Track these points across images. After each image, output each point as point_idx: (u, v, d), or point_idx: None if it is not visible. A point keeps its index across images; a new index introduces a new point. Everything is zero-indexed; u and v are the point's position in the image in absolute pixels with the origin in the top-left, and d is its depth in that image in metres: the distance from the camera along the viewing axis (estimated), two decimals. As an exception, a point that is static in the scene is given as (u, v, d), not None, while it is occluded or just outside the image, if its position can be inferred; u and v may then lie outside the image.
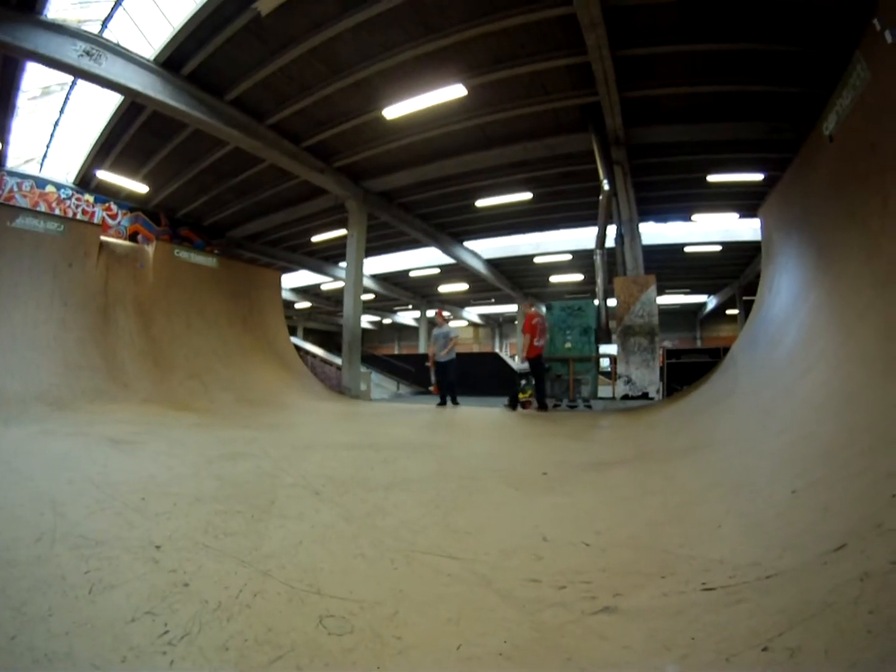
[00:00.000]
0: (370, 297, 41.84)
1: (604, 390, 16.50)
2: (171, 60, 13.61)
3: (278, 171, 19.04)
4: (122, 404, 11.07)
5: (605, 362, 17.75)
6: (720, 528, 3.30)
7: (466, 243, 29.01)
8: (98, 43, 12.67)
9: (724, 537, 3.14)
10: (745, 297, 33.76)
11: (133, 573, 2.79)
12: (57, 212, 20.46)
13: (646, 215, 21.50)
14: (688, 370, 14.34)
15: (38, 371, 11.13)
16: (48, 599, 2.42)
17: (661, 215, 23.56)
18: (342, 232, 23.32)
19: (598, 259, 15.96)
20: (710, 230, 27.73)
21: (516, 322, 15.59)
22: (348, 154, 18.09)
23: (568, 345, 15.13)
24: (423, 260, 34.46)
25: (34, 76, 15.37)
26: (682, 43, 11.86)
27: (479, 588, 2.69)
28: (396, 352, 61.38)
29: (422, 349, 17.60)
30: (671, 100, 14.11)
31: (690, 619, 2.16)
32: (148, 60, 13.53)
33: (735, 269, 33.50)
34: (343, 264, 25.07)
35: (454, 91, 13.54)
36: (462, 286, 40.10)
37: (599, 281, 15.86)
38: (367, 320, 58.02)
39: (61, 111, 17.73)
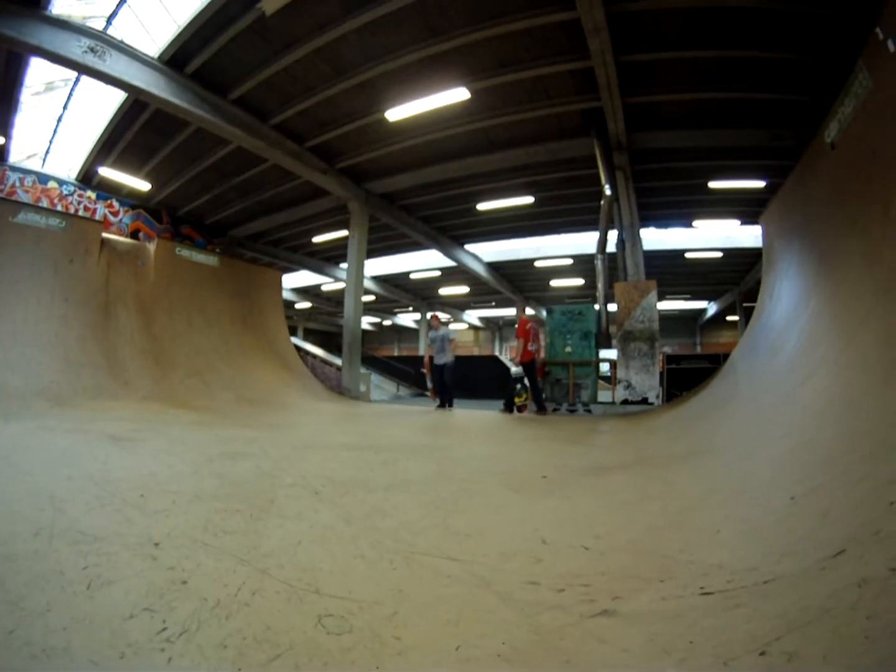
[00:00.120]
0: (371, 298, 41.88)
1: (603, 395, 16.51)
2: (175, 58, 13.65)
3: (281, 171, 19.07)
4: (122, 402, 11.07)
5: (605, 367, 17.72)
6: (719, 533, 3.30)
7: (467, 246, 29.09)
8: (102, 40, 12.71)
9: (723, 542, 3.13)
10: (745, 304, 33.82)
11: (132, 570, 2.78)
12: (59, 208, 20.54)
13: (647, 221, 21.58)
14: (687, 376, 14.39)
15: (38, 367, 11.13)
16: (46, 594, 2.41)
17: (663, 221, 23.63)
18: (343, 233, 23.39)
19: (598, 264, 15.98)
20: (711, 236, 27.81)
21: (516, 326, 15.78)
22: (351, 155, 18.13)
23: (568, 349, 15.16)
24: (423, 262, 34.54)
25: (38, 71, 15.40)
26: (684, 49, 11.90)
27: (478, 590, 2.69)
28: (396, 353, 61.43)
29: (421, 351, 17.57)
30: (673, 106, 14.15)
31: (689, 622, 2.16)
32: (152, 58, 13.56)
33: (735, 276, 33.57)
34: (344, 265, 25.20)
35: (457, 94, 13.59)
36: (463, 289, 40.17)
37: (600, 286, 15.88)
38: (367, 322, 58.06)
39: (64, 107, 17.77)
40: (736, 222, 23.34)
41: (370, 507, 4.24)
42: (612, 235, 16.11)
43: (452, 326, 57.81)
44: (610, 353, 15.60)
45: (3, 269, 12.00)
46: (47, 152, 20.72)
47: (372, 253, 25.70)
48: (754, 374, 8.52)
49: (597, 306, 15.66)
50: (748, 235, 26.16)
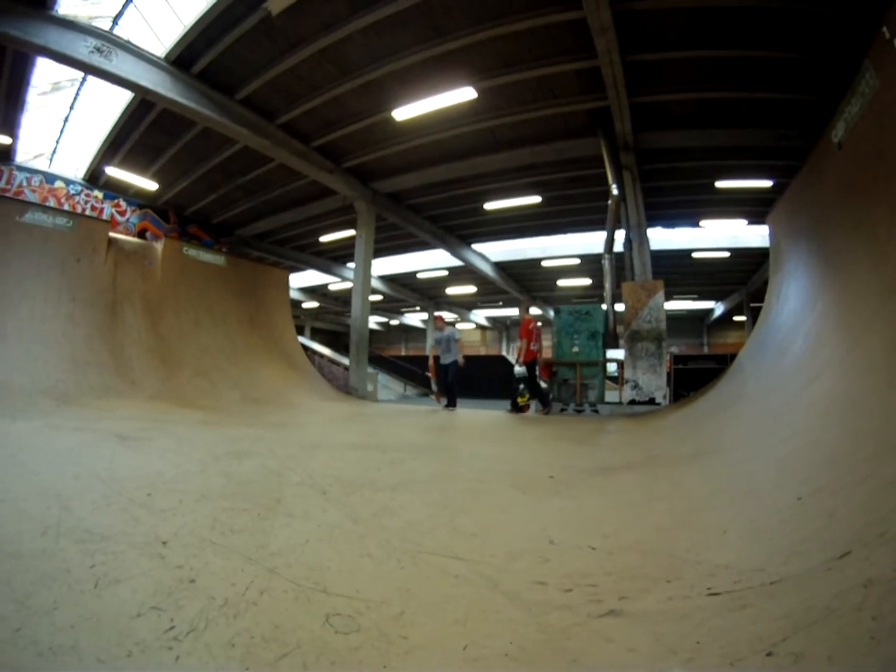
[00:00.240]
0: (378, 298, 41.84)
1: (611, 395, 16.48)
2: (182, 58, 13.68)
3: (287, 170, 19.09)
4: (129, 401, 11.09)
5: (612, 367, 17.71)
6: (726, 533, 3.30)
7: (474, 246, 29.07)
8: (109, 39, 12.73)
9: (730, 543, 3.14)
10: (752, 304, 33.69)
11: (139, 568, 2.79)
12: (66, 207, 20.58)
13: (654, 220, 21.54)
14: (695, 376, 14.37)
15: (45, 366, 11.15)
16: (53, 593, 2.42)
17: (670, 221, 23.60)
18: (350, 232, 23.42)
19: (606, 264, 15.94)
20: (718, 236, 27.73)
21: (532, 326, 15.78)
22: (357, 155, 18.13)
23: (575, 349, 15.14)
24: (430, 262, 34.53)
25: (45, 71, 15.42)
26: (690, 49, 11.88)
27: (485, 589, 2.69)
28: (403, 353, 61.46)
29: (429, 351, 17.87)
30: (680, 105, 14.12)
31: (696, 623, 2.16)
32: (158, 58, 13.59)
33: (743, 276, 33.49)
34: (351, 265, 25.24)
35: (464, 94, 13.56)
36: (470, 289, 40.15)
37: (607, 285, 15.85)
38: (374, 321, 58.09)
39: (71, 107, 17.79)
40: (743, 222, 23.29)
41: (377, 507, 4.25)
42: (620, 235, 16.09)
43: (459, 326, 57.97)
44: (617, 353, 15.61)
45: (11, 268, 12.02)
46: (54, 152, 20.77)
47: (379, 252, 25.66)
48: (761, 375, 8.50)
49: (604, 306, 15.64)
50: (755, 235, 26.07)
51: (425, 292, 43.75)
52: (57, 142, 20.20)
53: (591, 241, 27.78)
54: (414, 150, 17.41)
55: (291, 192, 21.82)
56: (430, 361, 15.10)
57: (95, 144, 19.22)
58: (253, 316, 17.76)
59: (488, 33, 11.85)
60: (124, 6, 13.17)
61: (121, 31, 13.24)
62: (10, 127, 17.21)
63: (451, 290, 41.52)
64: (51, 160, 21.05)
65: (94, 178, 21.64)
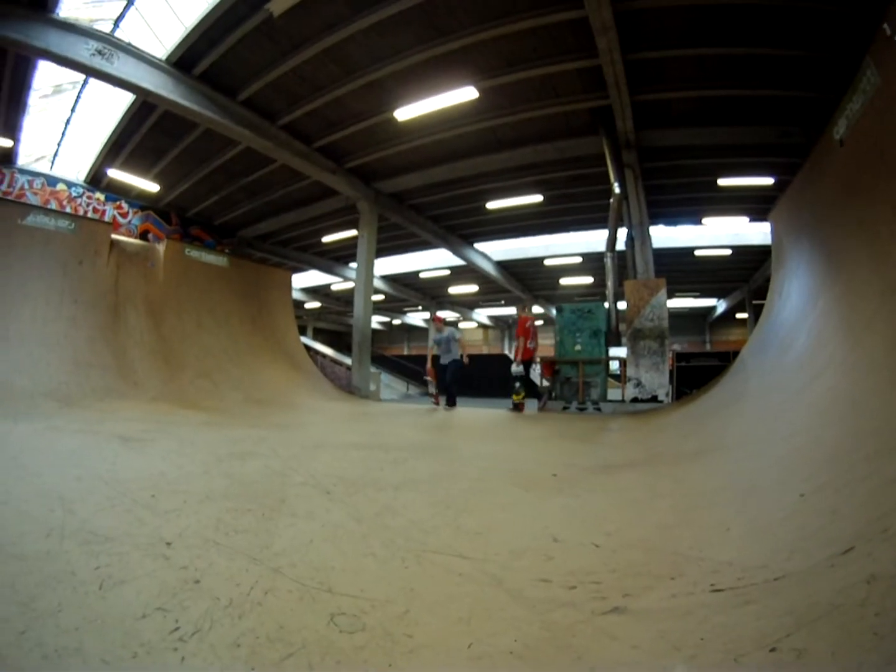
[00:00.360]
0: (380, 297, 41.89)
1: (613, 393, 16.48)
2: (183, 60, 13.71)
3: (290, 171, 19.12)
4: (131, 402, 11.10)
5: (614, 365, 17.70)
6: (729, 530, 3.30)
7: (477, 245, 29.09)
8: (110, 42, 12.77)
9: (733, 540, 3.14)
10: (754, 302, 33.64)
11: (143, 570, 2.79)
12: (68, 210, 20.59)
13: (656, 218, 21.52)
14: (697, 374, 14.33)
15: (47, 368, 11.17)
16: (58, 595, 2.42)
17: (672, 218, 23.60)
18: (353, 233, 23.44)
19: (608, 262, 15.96)
20: (720, 234, 27.71)
21: (529, 324, 15.76)
22: (360, 155, 18.16)
23: (578, 347, 15.14)
24: (433, 261, 34.54)
25: (46, 74, 15.45)
26: (691, 47, 11.89)
27: (489, 588, 2.70)
28: (406, 353, 61.41)
29: (428, 352, 17.65)
30: (681, 103, 14.12)
31: (699, 619, 2.16)
32: (160, 60, 13.63)
33: (745, 273, 33.44)
34: (353, 265, 25.17)
35: (465, 93, 13.59)
36: (472, 288, 40.14)
37: (610, 284, 15.86)
38: (376, 321, 58.01)
39: (73, 109, 17.81)
40: (745, 219, 23.30)
41: (381, 506, 4.25)
42: (622, 233, 16.10)
43: (462, 325, 58.10)
44: (619, 352, 15.61)
45: (12, 271, 12.05)
46: (56, 155, 20.81)
47: (381, 252, 25.69)
48: (764, 372, 8.50)
49: (606, 304, 15.64)
50: (757, 233, 26.05)
51: (427, 292, 43.76)
52: (58, 144, 20.23)
53: (594, 240, 27.74)
54: (416, 150, 17.43)
55: (294, 192, 21.84)
56: (429, 364, 15.12)
57: (97, 147, 19.25)
58: (255, 317, 17.79)
59: (490, 33, 11.87)
60: (125, 8, 13.19)
61: (122, 34, 13.28)
62: (12, 130, 17.24)
63: (454, 290, 41.50)
64: (52, 163, 21.09)
65: (95, 180, 21.67)
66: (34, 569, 2.70)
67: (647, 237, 15.60)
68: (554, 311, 17.71)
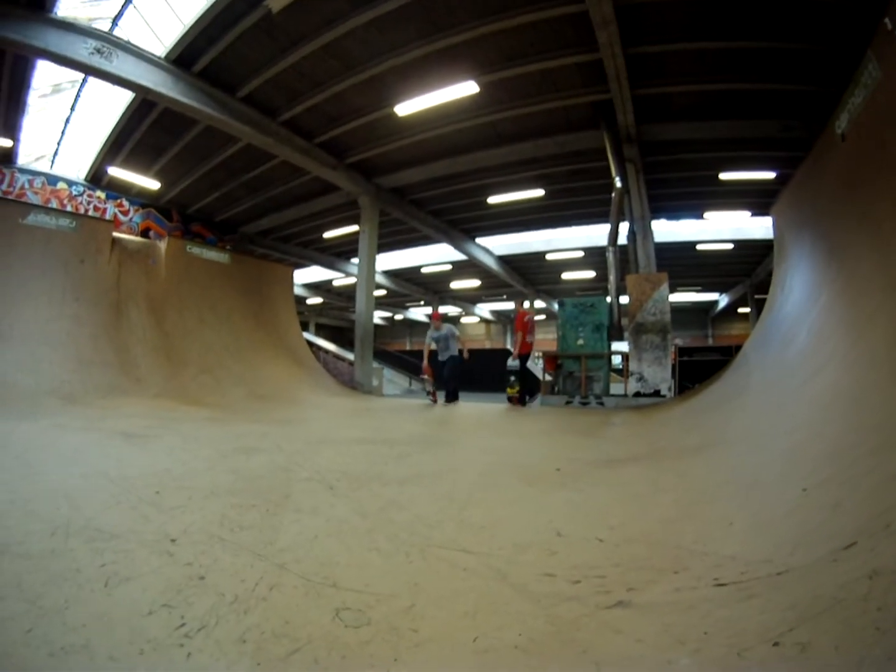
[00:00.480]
0: (382, 293, 41.86)
1: (616, 387, 16.47)
2: (182, 58, 13.69)
3: (290, 167, 19.10)
4: (134, 399, 11.13)
5: (617, 359, 17.70)
6: (732, 525, 3.31)
7: (478, 240, 29.09)
8: (109, 41, 12.76)
9: (736, 534, 3.15)
10: (756, 296, 33.62)
11: (149, 566, 2.80)
12: (69, 208, 20.57)
13: (658, 213, 21.47)
14: (699, 368, 14.37)
15: (50, 366, 11.19)
16: (64, 592, 2.43)
17: (674, 213, 23.60)
18: (354, 228, 23.46)
19: (610, 256, 15.96)
20: (722, 228, 27.65)
21: (527, 319, 15.73)
22: (360, 150, 18.15)
23: (580, 342, 15.13)
24: (435, 256, 34.52)
25: (45, 74, 15.43)
26: (692, 41, 11.85)
27: (494, 582, 2.71)
28: (408, 348, 61.30)
29: (425, 350, 17.39)
30: (682, 97, 14.09)
31: (703, 613, 2.18)
32: (159, 58, 13.62)
33: (747, 268, 33.41)
34: (355, 260, 25.18)
35: (466, 88, 13.56)
36: (474, 282, 40.17)
37: (612, 278, 15.86)
38: (379, 316, 57.95)
39: (72, 108, 17.79)
40: (747, 214, 23.28)
41: (385, 501, 4.27)
42: (624, 227, 16.09)
43: (464, 320, 58.30)
44: (622, 346, 15.62)
45: (13, 270, 12.07)
46: (56, 154, 20.80)
47: (383, 248, 25.69)
48: (766, 367, 8.49)
49: (609, 299, 15.63)
50: (759, 227, 25.99)
51: (430, 287, 43.76)
52: (58, 143, 20.22)
53: (595, 234, 27.74)
54: (417, 145, 17.41)
55: (295, 188, 21.83)
56: (425, 363, 15.10)
57: (97, 145, 19.24)
58: (257, 313, 17.81)
59: (490, 27, 11.84)
60: (123, 7, 13.19)
61: (121, 32, 13.27)
62: (12, 130, 17.24)
63: (456, 285, 41.53)
64: (52, 162, 21.08)
65: (96, 178, 21.67)
66: (40, 567, 2.71)
67: (648, 231, 15.59)
68: (556, 306, 17.67)
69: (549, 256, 32.34)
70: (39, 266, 12.59)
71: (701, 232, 28.20)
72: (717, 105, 14.27)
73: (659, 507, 3.95)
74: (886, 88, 5.96)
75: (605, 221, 17.54)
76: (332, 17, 11.93)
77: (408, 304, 53.73)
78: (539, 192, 20.81)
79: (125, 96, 15.79)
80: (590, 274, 35.53)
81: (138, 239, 17.47)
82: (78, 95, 17.24)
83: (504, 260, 33.26)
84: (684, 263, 31.95)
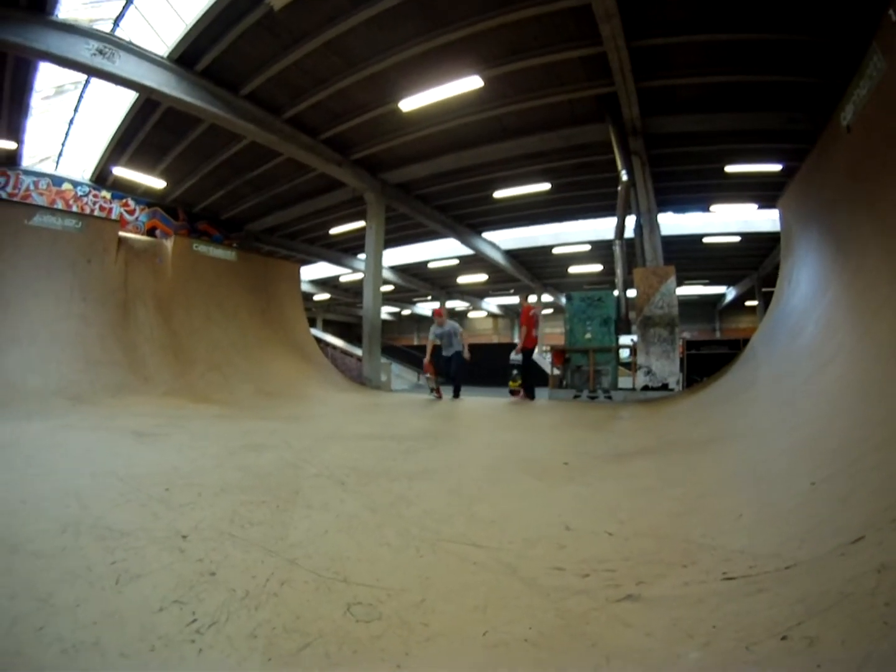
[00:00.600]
0: (389, 288, 41.90)
1: (624, 381, 16.47)
2: (185, 57, 13.75)
3: (295, 164, 19.15)
4: (143, 397, 11.15)
5: (625, 353, 17.70)
6: (740, 518, 3.30)
7: (485, 234, 29.10)
8: (111, 41, 12.83)
9: (745, 528, 3.14)
10: (764, 289, 33.55)
11: (159, 563, 2.80)
12: (74, 209, 20.67)
13: (664, 206, 21.43)
14: (707, 361, 14.31)
15: (58, 366, 11.22)
16: (75, 590, 2.43)
17: (680, 206, 23.53)
18: (360, 224, 23.45)
19: (617, 250, 15.95)
20: (728, 221, 27.63)
21: (532, 313, 15.70)
22: (365, 146, 18.18)
23: (588, 335, 15.15)
24: (441, 251, 34.57)
25: (48, 76, 15.51)
26: (696, 33, 11.82)
27: (504, 576, 2.71)
28: (416, 343, 61.33)
29: (428, 346, 17.14)
30: (687, 90, 14.08)
31: (712, 607, 2.18)
32: (161, 57, 13.69)
33: (754, 261, 33.36)
34: (362, 256, 25.31)
35: (470, 82, 13.56)
36: (481, 277, 40.20)
37: (619, 271, 15.85)
38: (386, 312, 58.02)
39: (76, 109, 17.86)
40: (753, 206, 23.22)
41: (395, 496, 4.27)
42: (630, 221, 16.07)
43: (471, 314, 58.46)
44: (630, 339, 15.62)
45: (19, 271, 12.09)
46: (60, 155, 20.90)
47: (389, 243, 25.63)
48: (774, 360, 8.48)
49: (616, 292, 15.63)
50: (766, 220, 25.97)
51: (437, 282, 43.80)
52: (63, 145, 20.32)
53: (602, 228, 27.73)
54: (422, 140, 17.42)
55: (300, 185, 21.87)
56: (427, 360, 15.02)
57: (101, 145, 19.33)
58: (265, 309, 17.82)
59: (493, 22, 11.84)
60: (124, 7, 13.24)
61: (122, 33, 13.34)
62: (15, 132, 17.33)
63: (463, 279, 41.57)
64: (57, 163, 21.20)
65: (101, 178, 21.77)
66: (51, 565, 2.72)
67: (655, 224, 15.57)
68: (564, 300, 17.66)
69: (555, 250, 32.38)
70: (46, 267, 12.61)
71: (707, 225, 28.18)
72: (722, 97, 14.25)
73: (667, 501, 3.95)
74: (891, 80, 5.94)
75: (612, 215, 17.52)
76: (334, 13, 11.95)
77: (415, 300, 53.79)
78: (545, 186, 20.83)
79: (128, 96, 15.88)
80: (597, 267, 35.50)
81: (145, 238, 17.51)
82: (81, 96, 17.34)
83: (511, 254, 33.29)
84: (691, 256, 31.94)
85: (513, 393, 14.57)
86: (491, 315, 60.97)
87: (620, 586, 2.50)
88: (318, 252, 32.60)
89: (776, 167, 17.78)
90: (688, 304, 44.14)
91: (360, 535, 3.35)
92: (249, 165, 20.08)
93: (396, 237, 27.69)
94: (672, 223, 26.89)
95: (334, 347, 22.54)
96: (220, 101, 14.85)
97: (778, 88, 13.54)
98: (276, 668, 1.91)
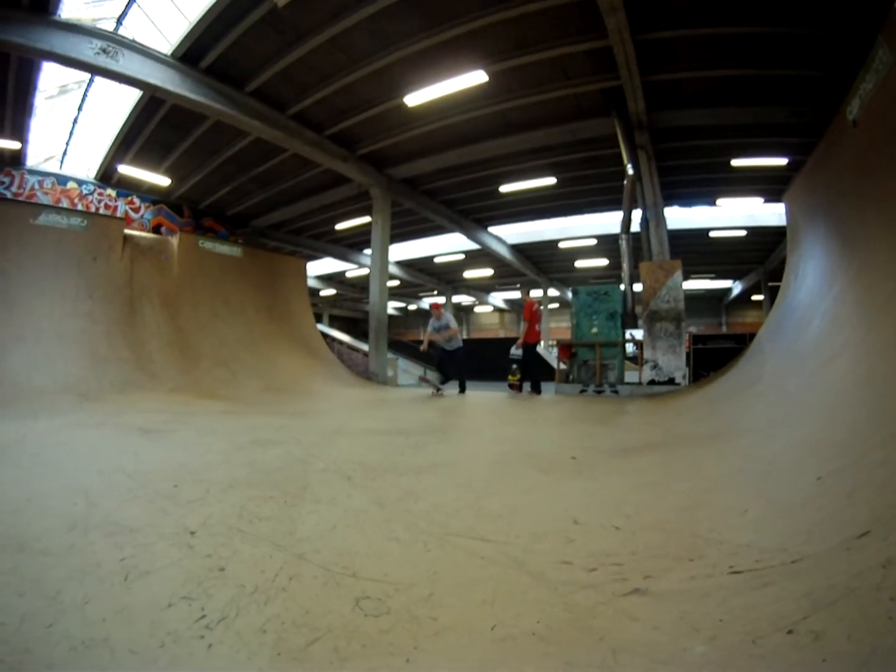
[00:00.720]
0: (395, 283, 41.91)
1: (630, 375, 16.45)
2: (189, 54, 13.76)
3: (301, 160, 19.15)
4: (149, 394, 11.20)
5: (631, 347, 17.69)
6: (747, 513, 3.31)
7: (491, 229, 29.09)
8: (114, 40, 12.85)
9: (751, 522, 3.15)
10: (770, 283, 33.52)
11: (168, 559, 2.82)
12: (79, 207, 20.69)
13: (670, 200, 21.44)
14: (714, 356, 14.34)
15: (65, 364, 11.27)
16: (84, 587, 2.45)
17: (686, 200, 23.52)
18: (366, 219, 23.48)
19: (623, 244, 15.93)
20: (734, 215, 27.61)
21: (535, 308, 15.72)
22: (371, 142, 18.16)
23: (594, 330, 15.13)
24: (447, 246, 34.60)
25: (51, 75, 15.55)
26: (702, 26, 11.78)
27: (512, 570, 2.72)
28: (422, 338, 61.31)
29: (426, 338, 17.08)
30: (693, 83, 14.03)
31: (718, 601, 2.19)
32: (165, 55, 13.69)
33: (760, 255, 33.33)
34: (368, 251, 25.30)
35: (475, 77, 13.52)
36: (487, 271, 40.18)
37: (625, 266, 15.84)
38: (392, 307, 57.96)
39: (80, 108, 17.90)
40: (759, 200, 23.18)
41: (402, 491, 4.29)
42: (636, 215, 16.05)
43: (477, 309, 58.70)
44: (636, 334, 15.61)
45: (25, 270, 12.13)
46: (64, 154, 20.97)
47: (395, 238, 25.67)
48: (780, 355, 8.46)
49: (622, 286, 15.63)
50: (772, 214, 25.94)
51: (443, 276, 43.78)
52: (67, 143, 20.39)
53: (608, 222, 27.74)
54: (427, 135, 17.40)
55: (305, 181, 21.86)
56: (424, 346, 15.14)
57: (106, 144, 19.37)
58: (271, 305, 17.84)
59: (497, 16, 11.81)
60: (127, 6, 13.30)
61: (125, 31, 13.37)
62: (20, 132, 17.38)
63: (469, 274, 41.55)
64: (62, 162, 21.26)
65: (106, 176, 21.82)
66: (60, 563, 2.74)
67: (661, 218, 15.53)
68: (570, 294, 17.65)
69: (562, 244, 32.33)
70: (52, 265, 12.65)
71: (714, 219, 28.16)
72: (728, 91, 14.21)
73: (674, 496, 3.96)
74: (897, 74, 5.94)
75: (618, 209, 17.53)
76: (339, 9, 11.93)
77: (421, 294, 53.74)
78: (551, 181, 20.77)
79: (133, 95, 15.88)
80: (603, 262, 35.51)
81: (150, 235, 17.57)
82: (85, 95, 17.39)
83: (517, 249, 33.28)
84: (697, 251, 31.91)
85: (511, 387, 14.58)
86: (497, 310, 61.02)
87: (627, 580, 2.51)
88: (324, 248, 32.63)
89: (782, 161, 17.73)
90: (694, 298, 44.13)
91: (369, 530, 3.37)
92: (255, 162, 20.09)
93: (402, 232, 27.69)
94: (678, 217, 26.90)
95: (341, 343, 22.52)
96: (225, 98, 14.86)
97: (784, 82, 13.50)
98: (285, 662, 1.92)
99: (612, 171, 18.10)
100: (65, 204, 20.53)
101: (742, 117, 15.02)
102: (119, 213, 22.19)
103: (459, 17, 12.06)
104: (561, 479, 4.75)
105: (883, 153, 6.23)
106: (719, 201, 23.42)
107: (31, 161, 20.20)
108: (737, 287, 43.60)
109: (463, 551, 3.01)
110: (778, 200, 15.85)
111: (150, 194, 23.55)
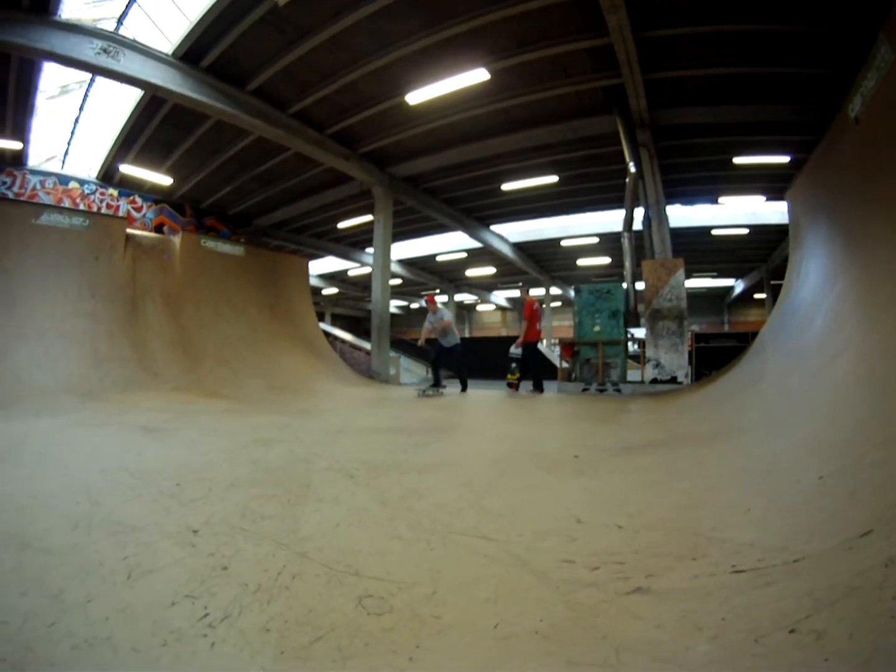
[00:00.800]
0: (397, 282, 41.98)
1: (633, 374, 16.45)
2: (190, 53, 13.73)
3: (303, 158, 19.12)
4: (152, 393, 11.21)
5: (633, 345, 17.68)
6: (749, 512, 3.32)
7: (493, 227, 29.08)
8: (115, 40, 12.83)
9: (753, 521, 3.15)
10: (772, 282, 33.47)
11: (171, 558, 2.83)
12: (81, 207, 20.68)
13: (673, 198, 21.38)
14: (716, 354, 14.30)
15: (67, 363, 11.29)
16: (86, 586, 2.46)
17: (688, 198, 23.44)
18: (368, 218, 23.37)
19: (625, 242, 15.89)
20: (737, 213, 27.56)
21: (535, 307, 15.77)
22: (373, 140, 18.13)
23: (597, 328, 15.11)
24: (449, 244, 34.55)
25: (52, 75, 15.54)
26: (704, 24, 11.75)
27: (514, 569, 2.73)
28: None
29: (424, 333, 16.96)
30: (694, 81, 13.99)
31: (720, 600, 2.19)
32: (166, 55, 13.67)
33: (762, 253, 33.30)
34: (370, 250, 25.24)
35: (477, 75, 13.50)
36: (489, 270, 40.13)
37: (627, 264, 15.80)
38: (394, 305, 57.96)
39: (81, 108, 17.90)
40: (762, 198, 23.13)
41: (405, 489, 4.30)
42: (639, 213, 16.02)
43: (480, 308, 58.80)
44: (639, 332, 15.60)
45: (27, 270, 12.17)
46: (66, 154, 20.95)
47: (397, 237, 25.62)
48: (782, 354, 8.46)
49: (625, 285, 15.61)
50: (774, 212, 25.91)
51: (445, 275, 43.79)
52: (68, 143, 20.37)
53: (610, 220, 27.71)
54: (429, 134, 17.38)
55: (307, 180, 21.84)
56: (421, 340, 15.38)
57: (108, 143, 19.34)
58: (273, 304, 17.86)
59: (499, 14, 11.78)
60: (128, 6, 13.29)
61: (126, 31, 13.36)
62: (21, 132, 17.36)
63: (471, 272, 41.54)
64: (63, 162, 21.23)
65: (108, 176, 21.80)
66: (62, 561, 2.75)
67: (663, 217, 15.52)
68: (572, 293, 17.65)
69: (564, 243, 32.27)
70: (54, 265, 12.67)
71: (716, 217, 28.12)
72: (729, 89, 14.18)
73: (677, 494, 3.96)
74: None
75: (620, 207, 17.46)
76: (340, 8, 11.91)
77: (423, 293, 53.63)
78: (553, 179, 20.73)
79: (134, 94, 15.86)
80: (605, 260, 35.45)
81: (152, 235, 17.62)
82: (86, 95, 17.37)
83: (519, 247, 33.27)
84: (700, 249, 31.88)
85: (510, 386, 14.57)
86: (499, 308, 60.98)
87: (630, 579, 2.51)
88: (327, 246, 32.62)
89: (784, 159, 17.70)
90: (696, 296, 44.08)
91: (372, 529, 3.38)
92: (256, 161, 20.07)
93: (404, 231, 27.63)
94: (680, 215, 26.88)
95: (343, 341, 22.48)
96: (226, 97, 14.85)
97: (785, 80, 13.47)
98: (288, 661, 1.93)
99: (614, 169, 18.07)
100: (67, 204, 20.53)
101: (744, 115, 15.00)
102: (121, 213, 22.17)
103: (460, 15, 12.04)
104: (563, 477, 4.75)
105: (885, 150, 6.24)
106: (721, 199, 23.37)
107: (33, 161, 20.20)
108: (739, 285, 43.59)
109: (465, 550, 3.02)
110: (780, 198, 15.90)
111: (152, 194, 23.52)
